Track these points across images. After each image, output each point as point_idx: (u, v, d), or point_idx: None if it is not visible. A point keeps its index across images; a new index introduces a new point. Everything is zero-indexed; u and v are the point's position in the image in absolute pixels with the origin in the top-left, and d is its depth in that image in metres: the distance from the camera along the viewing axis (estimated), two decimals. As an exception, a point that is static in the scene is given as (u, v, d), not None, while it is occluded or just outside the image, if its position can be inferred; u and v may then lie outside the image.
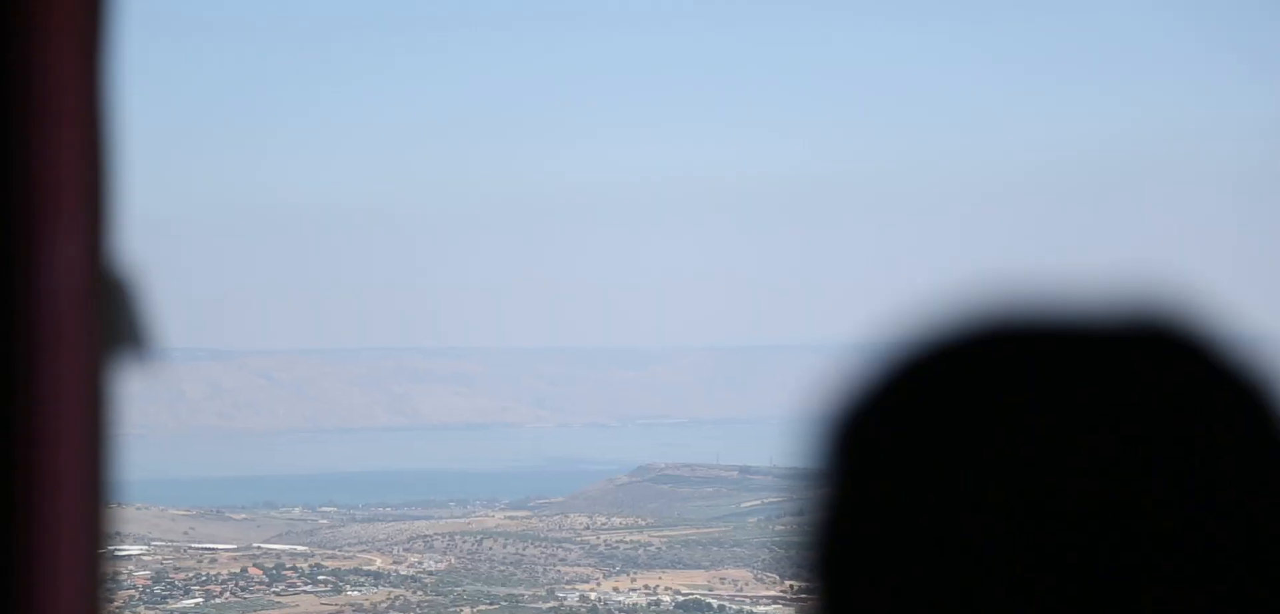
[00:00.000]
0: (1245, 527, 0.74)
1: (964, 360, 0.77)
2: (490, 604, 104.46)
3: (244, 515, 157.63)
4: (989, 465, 0.75)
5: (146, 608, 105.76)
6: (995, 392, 0.76)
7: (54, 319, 1.17)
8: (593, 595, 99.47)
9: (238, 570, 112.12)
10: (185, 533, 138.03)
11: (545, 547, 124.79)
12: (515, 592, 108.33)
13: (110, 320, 1.21)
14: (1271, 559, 0.75)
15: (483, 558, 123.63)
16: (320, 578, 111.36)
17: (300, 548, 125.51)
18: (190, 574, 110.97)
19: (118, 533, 1.18)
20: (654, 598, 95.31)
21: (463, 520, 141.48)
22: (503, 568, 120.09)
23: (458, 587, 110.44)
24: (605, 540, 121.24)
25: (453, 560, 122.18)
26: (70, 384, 1.18)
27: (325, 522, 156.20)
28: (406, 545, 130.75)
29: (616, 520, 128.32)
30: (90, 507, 1.18)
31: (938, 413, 0.76)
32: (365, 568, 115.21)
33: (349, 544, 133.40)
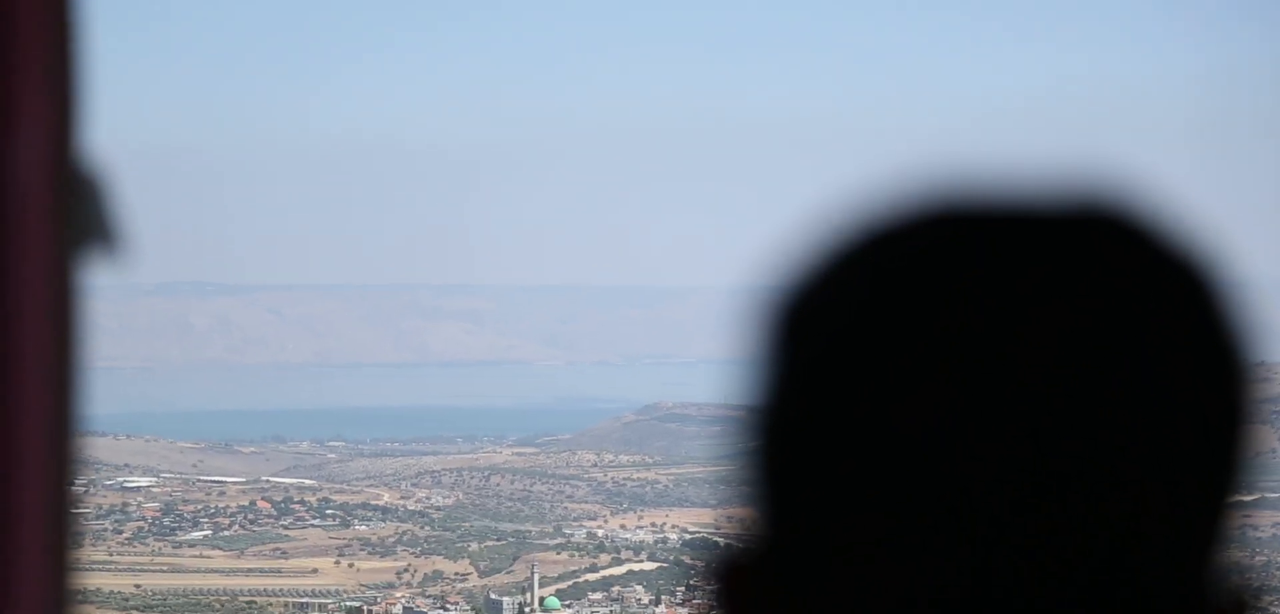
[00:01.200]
0: (1187, 406, 0.76)
1: (909, 242, 0.77)
2: (497, 540, 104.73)
3: (252, 449, 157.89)
4: (933, 345, 0.75)
5: (156, 539, 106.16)
6: (940, 272, 0.76)
7: (18, 214, 1.15)
8: (600, 532, 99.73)
9: (246, 503, 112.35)
10: (194, 466, 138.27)
11: (553, 483, 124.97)
12: (522, 528, 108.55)
13: (76, 216, 1.18)
14: (1213, 436, 0.77)
15: (490, 494, 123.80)
16: (328, 512, 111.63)
17: (308, 482, 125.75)
18: (199, 507, 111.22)
19: (88, 427, 1.16)
20: (661, 535, 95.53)
21: (470, 456, 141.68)
22: (510, 504, 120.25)
23: (465, 522, 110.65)
24: (613, 478, 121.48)
25: (460, 496, 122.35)
26: (35, 280, 1.16)
27: (333, 456, 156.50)
28: (414, 481, 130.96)
29: (624, 458, 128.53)
30: (58, 403, 1.15)
31: (882, 293, 0.77)
32: (373, 503, 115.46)
33: (357, 479, 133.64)
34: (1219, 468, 0.77)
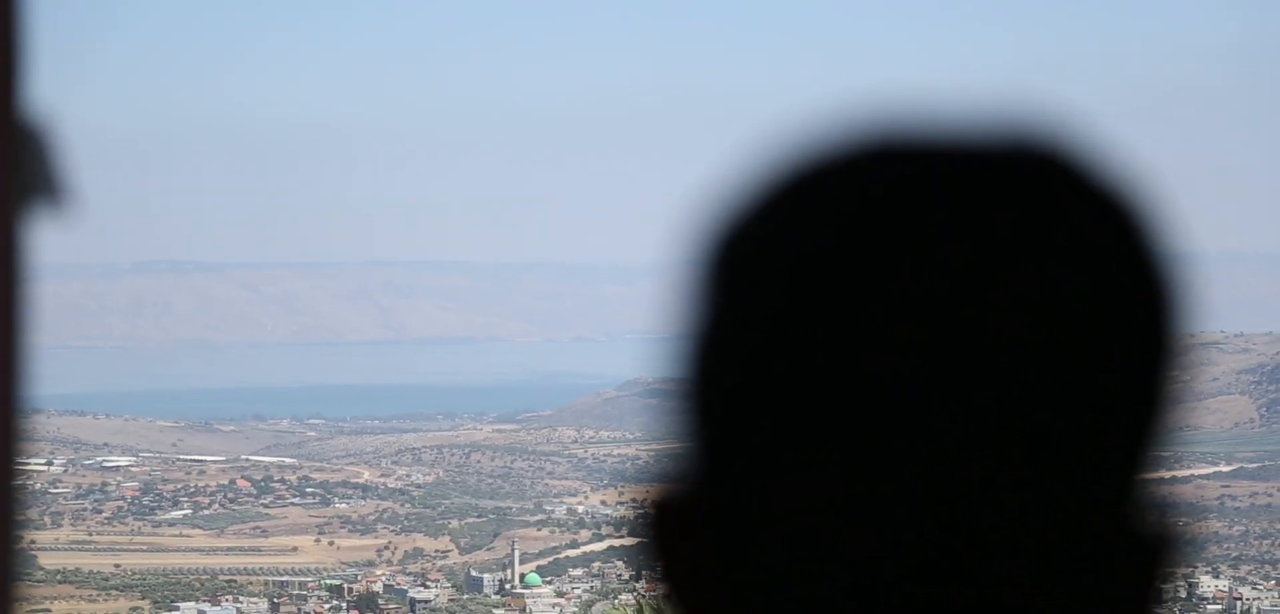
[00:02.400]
0: (1112, 339, 0.76)
1: (843, 177, 0.77)
2: (478, 517, 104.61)
3: (232, 427, 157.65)
4: (863, 280, 0.75)
5: (136, 518, 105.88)
6: (872, 207, 0.76)
7: None
8: (580, 508, 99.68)
9: (226, 482, 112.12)
10: (173, 445, 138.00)
11: (533, 460, 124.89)
12: (503, 505, 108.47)
13: (21, 167, 1.15)
14: (1135, 370, 0.77)
15: (470, 471, 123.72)
16: (308, 490, 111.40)
17: (288, 460, 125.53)
18: (179, 486, 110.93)
19: (35, 376, 1.13)
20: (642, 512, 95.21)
21: (451, 434, 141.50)
22: (490, 481, 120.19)
23: (445, 499, 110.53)
24: (593, 454, 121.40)
25: (440, 473, 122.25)
26: None
27: (313, 434, 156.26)
28: (394, 458, 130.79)
29: (605, 434, 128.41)
30: (3, 353, 1.13)
31: (815, 229, 0.76)
32: (353, 480, 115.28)
33: (337, 457, 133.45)
34: (1144, 406, 0.77)
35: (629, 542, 0.77)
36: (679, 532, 0.81)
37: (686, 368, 0.80)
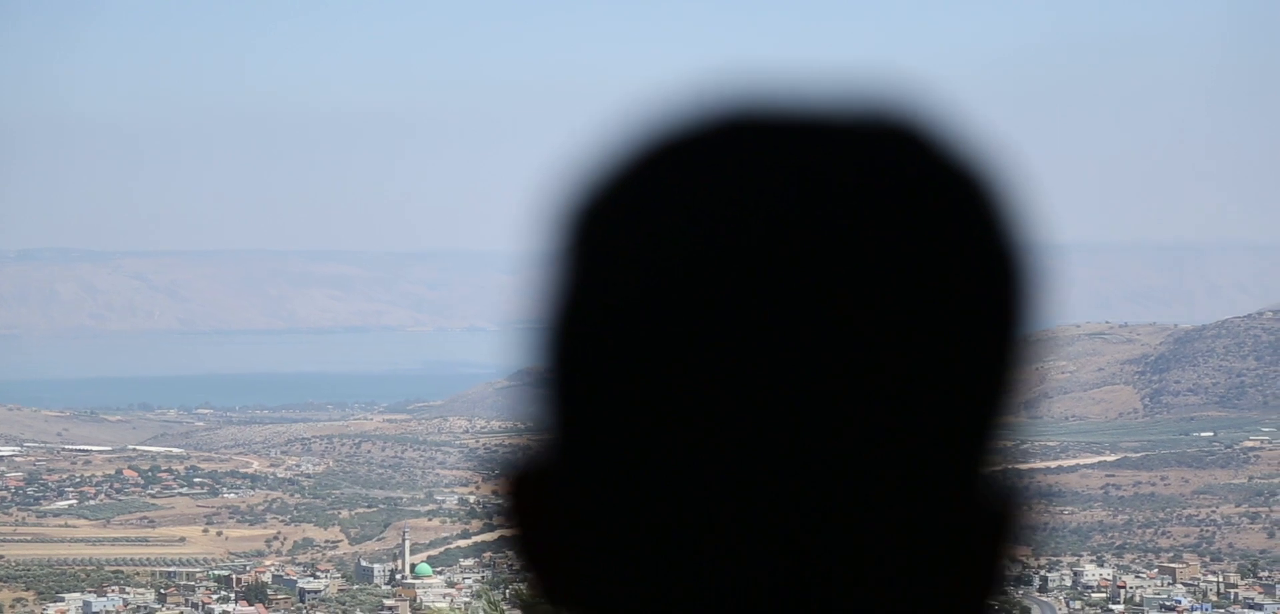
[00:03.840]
0: (961, 312, 0.77)
1: (695, 146, 0.78)
2: (368, 507, 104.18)
3: (119, 417, 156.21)
4: (718, 247, 0.76)
5: (19, 508, 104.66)
6: (725, 176, 0.77)
7: None
8: (472, 498, 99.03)
9: (113, 472, 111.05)
10: (58, 434, 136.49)
11: (424, 449, 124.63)
12: (394, 495, 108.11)
13: None
14: (984, 342, 0.77)
15: (361, 461, 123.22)
16: (196, 480, 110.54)
17: (176, 450, 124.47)
18: (64, 476, 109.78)
19: None
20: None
21: (341, 424, 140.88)
22: (381, 471, 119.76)
23: (336, 489, 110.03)
24: (485, 444, 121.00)
25: (331, 463, 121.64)
26: None
27: (201, 424, 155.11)
28: (284, 448, 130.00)
29: (496, 424, 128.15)
30: None
31: (669, 196, 0.77)
32: (242, 470, 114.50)
33: (225, 447, 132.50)
34: (989, 377, 0.77)
35: (493, 522, 0.78)
36: (536, 507, 0.82)
37: (545, 344, 0.81)
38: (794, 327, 0.75)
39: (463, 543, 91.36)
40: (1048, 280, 0.79)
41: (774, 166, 0.76)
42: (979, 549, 0.78)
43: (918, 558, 0.77)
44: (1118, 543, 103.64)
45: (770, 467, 0.76)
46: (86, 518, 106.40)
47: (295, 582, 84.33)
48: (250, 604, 78.85)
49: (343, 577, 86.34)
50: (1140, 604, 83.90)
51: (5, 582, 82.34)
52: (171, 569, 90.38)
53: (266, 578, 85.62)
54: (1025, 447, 0.78)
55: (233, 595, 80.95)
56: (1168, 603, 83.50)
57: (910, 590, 0.77)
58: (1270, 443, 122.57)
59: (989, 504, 0.78)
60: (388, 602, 78.19)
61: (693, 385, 0.76)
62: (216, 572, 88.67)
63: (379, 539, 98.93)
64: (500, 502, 0.83)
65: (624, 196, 0.78)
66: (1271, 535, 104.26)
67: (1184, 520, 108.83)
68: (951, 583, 0.78)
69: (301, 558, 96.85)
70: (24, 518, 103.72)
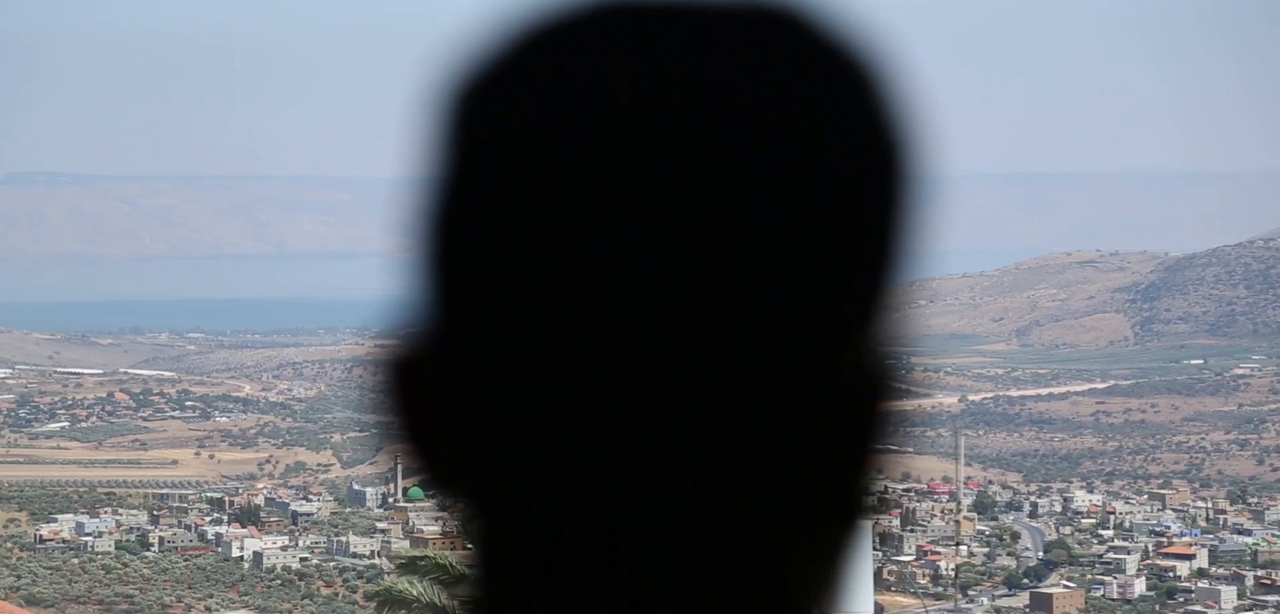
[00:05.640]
0: (843, 196, 0.77)
1: (576, 32, 0.77)
2: (360, 431, 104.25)
3: (110, 341, 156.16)
4: (597, 134, 0.76)
5: (11, 431, 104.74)
6: (605, 61, 0.76)
7: None
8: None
9: (104, 395, 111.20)
10: (50, 357, 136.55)
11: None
12: (386, 418, 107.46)
13: None
14: (863, 231, 0.77)
15: (353, 385, 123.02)
16: (188, 403, 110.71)
17: (168, 373, 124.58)
18: (56, 398, 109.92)
19: None
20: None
21: (333, 348, 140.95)
22: (373, 395, 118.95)
23: (327, 413, 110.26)
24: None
25: (322, 388, 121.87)
26: None
27: (192, 348, 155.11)
28: (276, 372, 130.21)
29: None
30: None
31: (550, 82, 0.77)
32: (234, 394, 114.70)
33: (217, 371, 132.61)
34: (872, 260, 0.77)
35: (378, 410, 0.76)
36: (416, 386, 0.81)
37: (425, 224, 0.80)
38: (670, 209, 0.75)
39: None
40: (927, 167, 0.78)
41: (651, 50, 0.76)
42: (849, 430, 0.78)
43: (792, 438, 0.77)
44: (1108, 469, 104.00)
45: (649, 345, 0.76)
46: (78, 440, 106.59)
47: (288, 504, 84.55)
48: (243, 526, 79.08)
49: (335, 500, 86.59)
50: (1130, 529, 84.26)
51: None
52: (164, 491, 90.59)
53: (259, 501, 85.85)
54: (904, 321, 0.78)
55: (226, 518, 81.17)
56: (1157, 528, 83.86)
57: (786, 464, 0.77)
58: (1260, 370, 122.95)
59: (861, 384, 0.78)
60: (380, 524, 78.44)
61: (569, 269, 0.76)
62: (209, 494, 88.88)
63: (371, 462, 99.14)
64: (383, 389, 0.82)
65: (502, 81, 0.78)
66: (1260, 462, 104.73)
67: (1174, 447, 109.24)
68: (825, 463, 0.78)
69: (294, 481, 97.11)
70: (16, 440, 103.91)
